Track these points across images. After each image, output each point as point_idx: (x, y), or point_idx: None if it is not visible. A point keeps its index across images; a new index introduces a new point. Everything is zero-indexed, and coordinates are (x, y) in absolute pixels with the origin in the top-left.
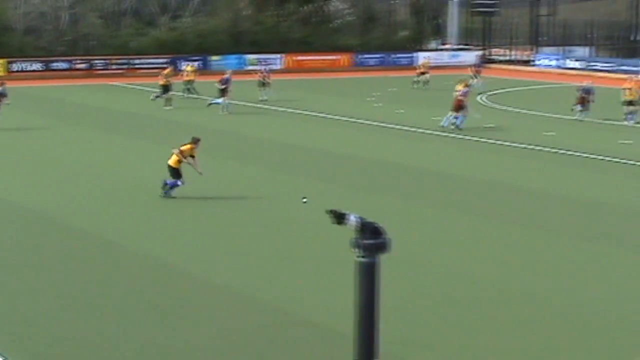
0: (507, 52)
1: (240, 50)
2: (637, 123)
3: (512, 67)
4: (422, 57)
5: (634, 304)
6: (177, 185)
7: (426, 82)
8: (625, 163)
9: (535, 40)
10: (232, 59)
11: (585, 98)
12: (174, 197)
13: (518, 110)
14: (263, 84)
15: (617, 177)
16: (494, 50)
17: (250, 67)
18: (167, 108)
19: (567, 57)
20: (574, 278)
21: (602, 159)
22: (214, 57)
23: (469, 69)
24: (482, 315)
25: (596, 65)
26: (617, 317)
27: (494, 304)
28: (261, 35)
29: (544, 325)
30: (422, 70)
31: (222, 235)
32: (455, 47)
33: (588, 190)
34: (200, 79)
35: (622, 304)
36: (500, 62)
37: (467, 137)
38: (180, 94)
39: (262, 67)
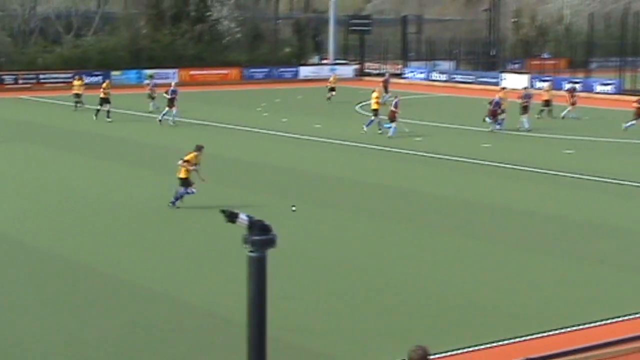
0: (380, 66)
1: (139, 66)
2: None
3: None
4: (332, 72)
5: (509, 292)
6: (188, 194)
7: (329, 98)
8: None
9: (405, 55)
10: (132, 74)
11: (495, 111)
12: (177, 207)
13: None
14: (151, 97)
15: (486, 177)
16: (368, 65)
17: (147, 81)
18: (109, 120)
19: (433, 70)
20: (448, 269)
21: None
22: (115, 72)
23: (380, 82)
24: (360, 303)
25: (459, 78)
26: (483, 302)
27: (371, 292)
28: (158, 52)
29: (418, 310)
30: (332, 84)
31: (127, 234)
32: (334, 62)
33: (450, 188)
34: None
35: (493, 291)
36: (375, 75)
37: (346, 143)
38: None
39: (149, 82)
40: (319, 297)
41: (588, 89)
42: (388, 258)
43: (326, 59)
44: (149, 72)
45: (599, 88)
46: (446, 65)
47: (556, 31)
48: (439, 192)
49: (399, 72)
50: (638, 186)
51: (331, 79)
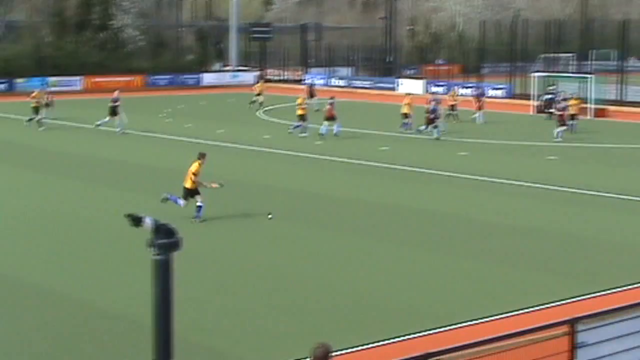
0: (281, 72)
1: (43, 73)
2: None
3: (286, 85)
4: (256, 79)
5: (409, 288)
6: (177, 203)
7: (261, 103)
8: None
9: (305, 61)
10: (36, 81)
11: (431, 118)
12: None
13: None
14: (47, 105)
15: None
16: (269, 71)
17: (52, 89)
18: (41, 129)
19: (332, 76)
20: (353, 270)
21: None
22: (19, 80)
23: (305, 89)
24: (267, 303)
25: (357, 83)
26: (386, 300)
27: (278, 293)
28: (62, 60)
29: (325, 309)
30: (258, 91)
31: (30, 238)
32: (236, 68)
33: (352, 191)
34: (6, 100)
35: (395, 289)
36: (276, 81)
37: (248, 147)
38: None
39: (41, 90)
40: (227, 298)
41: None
42: (295, 259)
43: (228, 65)
44: (51, 79)
45: (490, 92)
46: (345, 71)
47: (450, 38)
48: (338, 194)
49: (299, 78)
50: (529, 186)
51: (257, 85)
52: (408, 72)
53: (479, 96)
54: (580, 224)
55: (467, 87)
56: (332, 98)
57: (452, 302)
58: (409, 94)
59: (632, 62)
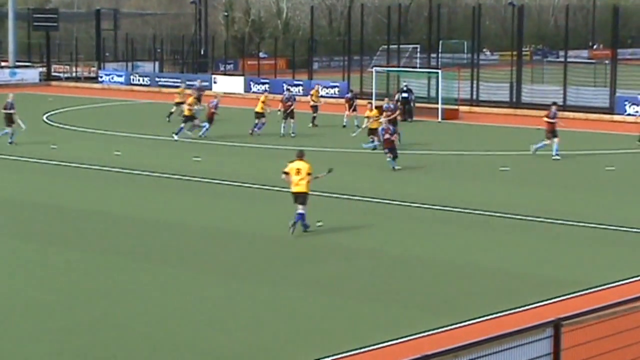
0: (71, 68)
1: None
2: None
3: (77, 84)
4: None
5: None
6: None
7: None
8: (197, 180)
9: (100, 55)
10: None
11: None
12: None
13: (83, 129)
14: None
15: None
16: (56, 67)
17: None
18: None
19: (134, 73)
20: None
21: (177, 178)
22: None
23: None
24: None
25: (163, 81)
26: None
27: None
28: None
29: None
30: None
31: None
32: (14, 64)
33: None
34: None
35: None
36: (65, 79)
37: (17, 158)
38: None
39: None
40: None
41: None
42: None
43: (5, 61)
44: None
45: (322, 91)
46: (149, 66)
47: (274, 27)
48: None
49: (92, 75)
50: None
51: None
52: (225, 67)
53: (350, 99)
54: (423, 244)
55: (329, 87)
56: (216, 97)
57: (266, 343)
58: (265, 92)
59: (486, 54)
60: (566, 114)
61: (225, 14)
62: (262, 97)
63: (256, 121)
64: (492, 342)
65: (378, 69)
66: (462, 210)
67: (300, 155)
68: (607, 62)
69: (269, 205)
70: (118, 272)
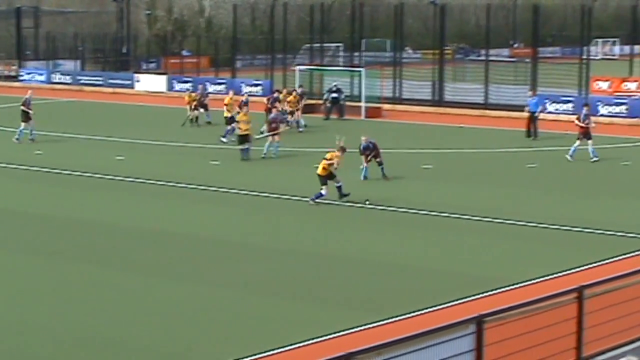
0: None
1: None
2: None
3: None
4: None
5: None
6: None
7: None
8: (115, 179)
9: (20, 54)
10: None
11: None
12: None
13: (2, 128)
14: None
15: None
16: None
17: None
18: None
19: (55, 72)
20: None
21: (99, 177)
22: None
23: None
24: None
25: (85, 80)
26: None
27: None
28: None
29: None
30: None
31: None
32: None
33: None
34: None
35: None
36: None
37: None
38: None
39: None
40: None
41: (235, 90)
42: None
43: None
44: None
45: (246, 89)
46: (70, 65)
47: (196, 25)
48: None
49: (13, 74)
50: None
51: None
52: (148, 65)
53: (301, 96)
54: (345, 243)
55: (252, 86)
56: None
57: (203, 341)
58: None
59: (408, 53)
60: (487, 112)
61: (148, 12)
62: (225, 99)
63: (228, 127)
64: (416, 339)
65: (301, 67)
66: (385, 208)
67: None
68: (527, 60)
69: (193, 204)
70: (42, 272)
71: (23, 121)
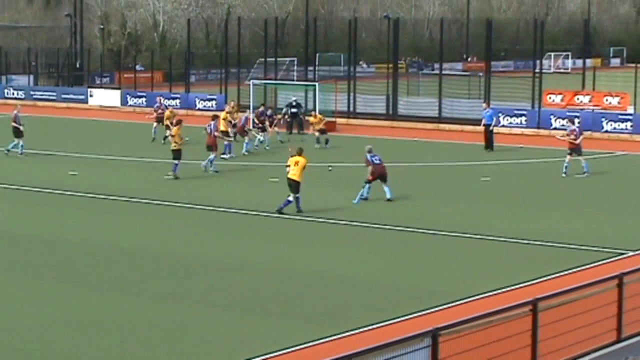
0: None
1: None
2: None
3: None
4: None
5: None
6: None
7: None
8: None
9: None
10: None
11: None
12: None
13: None
14: None
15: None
16: None
17: None
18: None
19: (8, 87)
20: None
21: (49, 192)
22: None
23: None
24: None
25: (38, 95)
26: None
27: None
28: None
29: None
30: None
31: None
32: None
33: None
34: None
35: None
36: None
37: None
38: None
39: None
40: None
41: (189, 105)
42: None
43: None
44: None
45: (200, 104)
46: (23, 79)
47: (150, 40)
48: None
49: None
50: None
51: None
52: (101, 80)
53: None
54: (301, 257)
55: (206, 100)
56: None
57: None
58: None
59: (362, 67)
60: (442, 125)
61: (101, 26)
62: (222, 114)
63: (225, 142)
64: (372, 353)
65: (255, 81)
66: (340, 221)
67: (300, 152)
68: (480, 74)
69: (141, 218)
70: None
71: (16, 137)
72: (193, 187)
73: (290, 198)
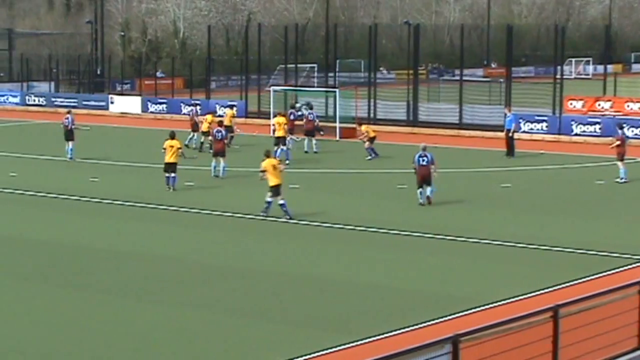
0: None
1: None
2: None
3: None
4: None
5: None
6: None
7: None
8: (88, 201)
9: None
10: None
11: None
12: None
13: None
14: None
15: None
16: None
17: None
18: None
19: (29, 94)
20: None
21: (75, 199)
22: None
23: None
24: None
25: (59, 101)
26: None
27: None
28: None
29: None
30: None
31: None
32: None
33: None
34: None
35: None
36: None
37: None
38: None
39: None
40: None
41: (210, 111)
42: None
43: None
44: None
45: (220, 110)
46: (45, 86)
47: (171, 46)
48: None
49: None
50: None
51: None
52: (122, 87)
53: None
54: (319, 264)
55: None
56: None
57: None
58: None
59: (382, 73)
60: (462, 132)
61: (122, 33)
62: (279, 119)
63: (275, 148)
64: (392, 359)
65: (275, 88)
66: (359, 228)
67: (268, 154)
68: (501, 80)
69: (161, 225)
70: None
71: (68, 139)
72: (214, 194)
73: (269, 199)
